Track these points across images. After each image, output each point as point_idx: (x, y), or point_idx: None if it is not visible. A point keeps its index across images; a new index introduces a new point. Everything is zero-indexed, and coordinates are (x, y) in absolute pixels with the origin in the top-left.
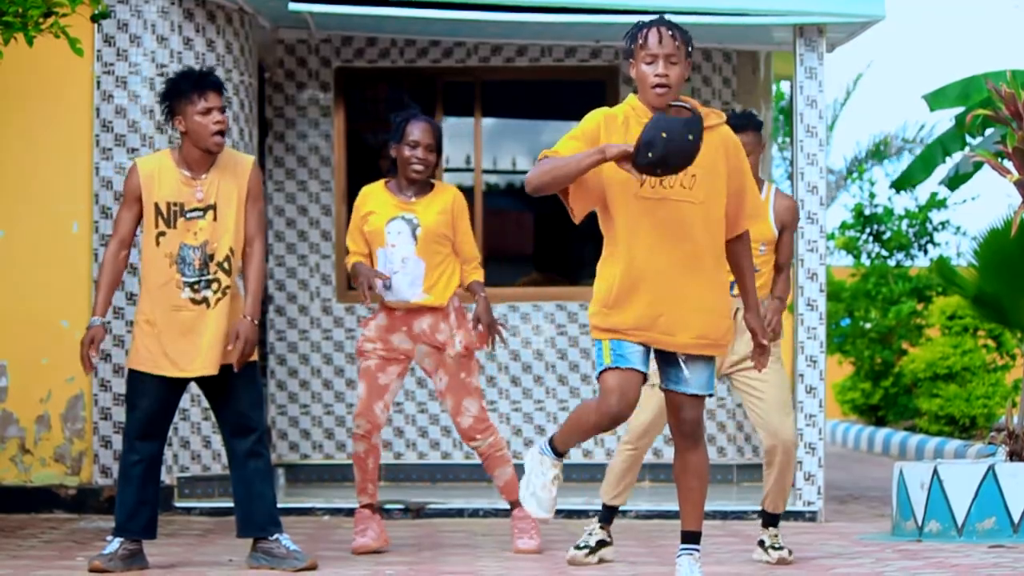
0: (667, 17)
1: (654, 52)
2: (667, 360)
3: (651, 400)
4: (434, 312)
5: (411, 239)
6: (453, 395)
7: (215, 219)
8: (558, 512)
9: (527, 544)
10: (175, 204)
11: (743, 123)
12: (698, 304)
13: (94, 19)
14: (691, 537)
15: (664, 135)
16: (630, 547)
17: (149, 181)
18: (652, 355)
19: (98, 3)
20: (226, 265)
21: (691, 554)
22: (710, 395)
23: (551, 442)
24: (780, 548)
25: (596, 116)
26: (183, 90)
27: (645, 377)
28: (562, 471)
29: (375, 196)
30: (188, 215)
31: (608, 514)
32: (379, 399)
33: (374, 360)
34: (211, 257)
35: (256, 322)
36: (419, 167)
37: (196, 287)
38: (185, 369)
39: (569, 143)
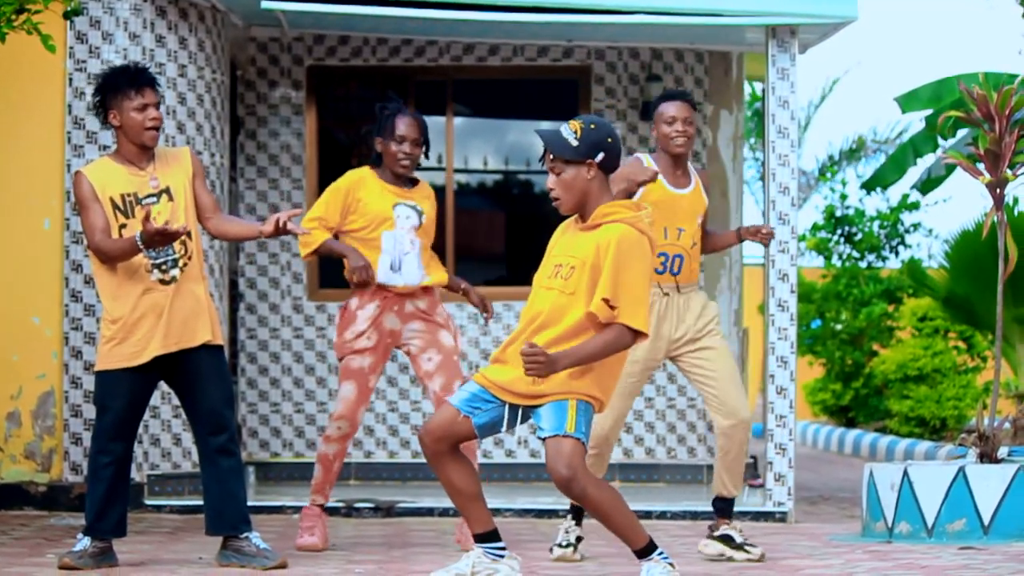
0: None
1: None
2: None
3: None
4: (428, 293)
5: (417, 222)
6: (445, 374)
7: (171, 199)
8: (527, 512)
9: None
10: (129, 195)
11: (670, 95)
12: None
13: (66, 16)
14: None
15: None
16: (600, 547)
17: (99, 181)
18: None
19: (70, 0)
20: (184, 240)
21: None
22: (569, 436)
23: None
24: (753, 546)
25: None
26: (119, 85)
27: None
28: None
29: (369, 184)
30: (143, 202)
31: (579, 512)
32: (365, 402)
33: (368, 359)
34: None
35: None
36: (406, 162)
37: (164, 267)
38: (167, 346)
39: None
